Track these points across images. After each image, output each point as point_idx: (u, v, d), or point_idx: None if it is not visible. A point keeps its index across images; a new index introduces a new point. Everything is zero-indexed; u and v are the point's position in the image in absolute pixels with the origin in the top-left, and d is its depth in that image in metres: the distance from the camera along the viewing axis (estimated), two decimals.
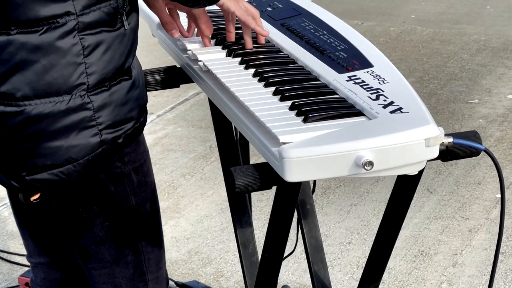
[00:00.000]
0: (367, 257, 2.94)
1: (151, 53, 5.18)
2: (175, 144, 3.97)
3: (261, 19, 1.75)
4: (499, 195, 3.38)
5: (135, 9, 1.51)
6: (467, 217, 3.22)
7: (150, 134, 4.09)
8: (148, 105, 4.45)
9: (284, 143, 1.25)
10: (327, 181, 3.52)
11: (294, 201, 1.37)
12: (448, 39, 5.36)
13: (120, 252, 1.60)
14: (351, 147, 1.23)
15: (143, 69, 1.61)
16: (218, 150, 1.73)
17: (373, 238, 3.06)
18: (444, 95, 4.43)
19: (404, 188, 1.41)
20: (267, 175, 1.29)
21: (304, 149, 1.22)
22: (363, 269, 2.87)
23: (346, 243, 3.09)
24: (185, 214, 3.33)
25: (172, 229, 3.23)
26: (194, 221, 3.28)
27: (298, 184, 1.33)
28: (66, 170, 1.46)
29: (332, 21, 1.68)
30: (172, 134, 4.07)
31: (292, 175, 1.23)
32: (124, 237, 1.59)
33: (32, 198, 1.53)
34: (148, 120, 4.25)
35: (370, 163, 1.22)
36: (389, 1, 6.38)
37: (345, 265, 2.95)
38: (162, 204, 3.39)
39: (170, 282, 2.80)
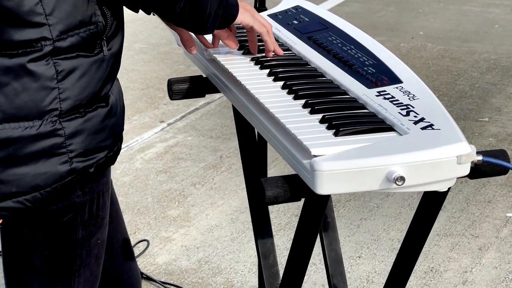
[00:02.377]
0: (376, 272, 2.96)
1: (162, 61, 5.19)
2: (185, 153, 3.97)
3: (288, 32, 1.76)
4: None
5: (119, 33, 1.46)
6: (477, 235, 3.22)
7: (161, 142, 4.10)
8: (159, 113, 4.46)
9: (316, 156, 1.26)
10: (337, 195, 3.52)
11: (322, 213, 1.38)
12: (458, 57, 5.38)
13: (50, 286, 1.52)
14: (383, 162, 1.23)
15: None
16: (242, 161, 1.73)
17: (383, 253, 3.08)
18: (454, 112, 4.44)
19: (431, 205, 1.42)
20: (296, 187, 1.30)
21: (336, 162, 1.23)
22: (373, 284, 2.88)
23: (356, 257, 3.09)
24: (195, 223, 3.33)
25: (182, 237, 3.23)
26: (204, 230, 3.28)
27: (327, 197, 1.34)
28: (32, 198, 1.39)
29: (359, 35, 1.69)
30: (183, 143, 4.08)
31: (323, 188, 1.23)
32: (60, 270, 1.51)
33: None
34: (159, 128, 4.27)
35: (402, 179, 1.23)
36: (397, 16, 6.41)
37: (355, 279, 2.95)
38: (173, 213, 3.39)
39: None
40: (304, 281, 2.88)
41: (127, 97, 4.62)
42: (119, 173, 3.72)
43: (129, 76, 4.96)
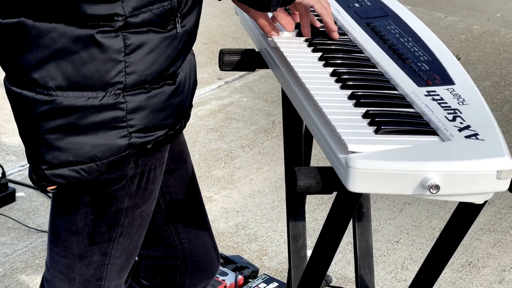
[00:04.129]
0: (412, 259, 2.93)
1: (229, 17, 5.16)
2: (238, 113, 3.96)
3: (347, 15, 1.73)
4: None
5: (195, 10, 1.43)
6: None
7: (216, 99, 4.10)
8: (218, 70, 4.42)
9: (352, 152, 1.23)
10: None
11: (352, 209, 1.36)
12: None
13: (89, 249, 1.53)
14: (419, 167, 1.20)
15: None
16: (284, 146, 1.71)
17: (422, 241, 3.04)
18: None
19: (465, 215, 1.38)
20: (329, 180, 1.28)
21: (371, 162, 1.20)
22: (407, 270, 2.85)
23: (394, 242, 3.07)
24: (238, 187, 3.34)
25: (224, 199, 3.24)
26: (246, 195, 3.29)
27: (359, 194, 1.32)
28: (88, 168, 1.40)
29: (419, 28, 1.64)
30: (237, 103, 4.07)
31: (355, 186, 1.21)
32: (100, 236, 1.52)
33: (49, 188, 1.45)
34: (216, 85, 4.26)
35: (437, 187, 1.20)
36: None
37: (390, 264, 2.93)
38: (217, 173, 3.40)
39: None
40: (338, 259, 2.87)
41: None
42: None
43: None
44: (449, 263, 2.93)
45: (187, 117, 1.51)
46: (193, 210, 1.74)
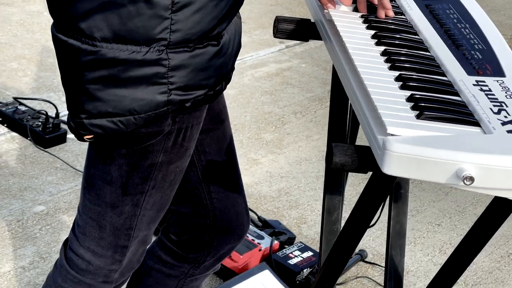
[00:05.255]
0: (452, 244, 2.91)
1: None
2: (295, 79, 3.96)
3: None
4: None
5: None
6: None
7: (275, 63, 4.10)
8: None
9: (391, 135, 1.23)
10: None
11: (386, 191, 1.36)
12: None
13: (121, 199, 1.55)
14: (456, 157, 1.19)
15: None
16: (328, 122, 1.71)
17: (464, 227, 3.02)
18: None
19: (499, 209, 1.37)
20: (365, 160, 1.28)
21: (409, 147, 1.20)
22: (445, 255, 2.84)
23: (435, 225, 3.05)
24: (285, 152, 3.35)
25: (270, 163, 3.25)
26: (292, 161, 3.29)
27: (394, 177, 1.31)
28: (126, 121, 1.42)
29: (479, 16, 1.61)
30: (295, 69, 4.06)
31: (390, 168, 1.21)
32: (133, 187, 1.54)
33: (86, 137, 1.48)
34: (277, 48, 4.26)
35: (471, 179, 1.19)
36: None
37: (428, 246, 2.92)
38: (267, 136, 3.41)
39: (253, 215, 2.84)
40: (376, 235, 2.87)
41: (254, 10, 4.62)
42: None
43: None
44: (488, 251, 2.92)
45: (228, 79, 1.52)
46: (227, 171, 1.76)
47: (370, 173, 1.34)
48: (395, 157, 1.20)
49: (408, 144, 1.20)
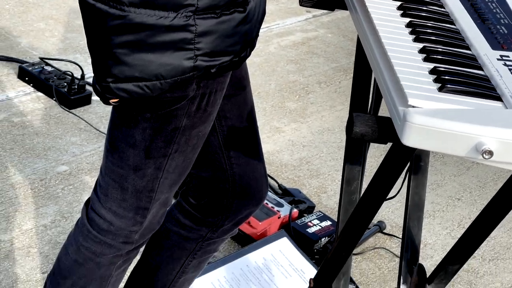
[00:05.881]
0: (471, 219, 2.91)
1: None
2: (321, 49, 3.95)
3: None
4: None
5: None
6: None
7: (302, 32, 4.09)
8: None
9: (412, 106, 1.23)
10: None
11: (405, 162, 1.36)
12: None
13: (144, 162, 1.57)
14: (476, 131, 1.19)
15: None
16: (351, 93, 1.71)
17: (484, 202, 3.01)
18: None
19: None
20: (385, 130, 1.28)
21: (429, 119, 1.20)
22: (463, 229, 2.84)
23: (456, 199, 3.05)
24: (308, 121, 3.35)
25: (292, 132, 3.26)
26: (315, 130, 3.30)
27: (413, 149, 1.32)
28: (152, 86, 1.43)
29: None
30: (322, 39, 4.05)
31: (409, 140, 1.21)
32: (156, 150, 1.55)
33: (112, 101, 1.49)
34: (303, 17, 4.24)
35: (490, 153, 1.19)
36: None
37: (447, 220, 2.92)
38: (291, 105, 3.42)
39: (273, 182, 2.85)
40: (396, 207, 2.88)
41: None
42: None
43: None
44: (508, 227, 2.92)
45: (252, 46, 1.53)
46: (247, 137, 1.77)
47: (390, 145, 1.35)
48: (415, 128, 1.20)
49: (429, 116, 1.21)
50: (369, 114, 1.30)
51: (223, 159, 1.75)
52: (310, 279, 1.70)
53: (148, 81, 1.43)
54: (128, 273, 1.90)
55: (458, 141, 1.20)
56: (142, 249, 1.84)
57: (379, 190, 1.42)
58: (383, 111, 2.19)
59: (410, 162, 1.79)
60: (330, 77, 3.71)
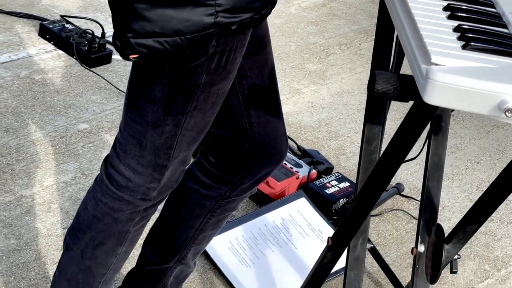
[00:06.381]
0: (490, 182, 2.90)
1: None
2: (342, 11, 3.92)
3: None
4: None
5: None
6: None
7: None
8: None
9: (435, 64, 1.23)
10: None
11: (426, 121, 1.36)
12: None
13: (163, 119, 1.57)
14: (500, 89, 1.18)
15: None
16: (373, 51, 1.70)
17: (504, 165, 3.00)
18: None
19: None
20: (408, 88, 1.28)
21: (452, 77, 1.19)
22: (482, 192, 2.83)
23: (475, 162, 3.04)
24: (328, 83, 3.34)
25: (312, 93, 3.25)
26: (335, 92, 3.29)
27: (435, 107, 1.31)
28: (172, 42, 1.43)
29: None
30: (342, 0, 4.02)
31: (431, 98, 1.21)
32: (175, 107, 1.56)
33: (132, 57, 1.49)
34: None
35: None
36: None
37: (466, 183, 2.92)
38: (311, 67, 3.41)
39: (292, 144, 2.86)
40: (414, 170, 2.88)
41: None
42: (272, 14, 3.73)
43: None
44: None
45: (273, 3, 1.52)
46: (267, 96, 1.77)
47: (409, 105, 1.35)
48: (437, 86, 1.20)
49: (452, 74, 1.20)
50: (391, 72, 1.29)
51: (243, 118, 1.75)
52: (329, 237, 1.71)
53: (168, 36, 1.43)
54: (146, 230, 1.92)
55: (481, 99, 1.20)
56: (161, 207, 1.86)
57: (399, 149, 1.42)
58: (405, 70, 2.18)
59: (431, 123, 1.78)
60: (350, 39, 3.69)
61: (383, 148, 1.53)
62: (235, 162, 1.80)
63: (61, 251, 1.87)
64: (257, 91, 1.74)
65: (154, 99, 1.56)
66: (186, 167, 1.75)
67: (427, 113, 1.35)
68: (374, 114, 1.73)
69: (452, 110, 1.79)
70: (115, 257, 1.78)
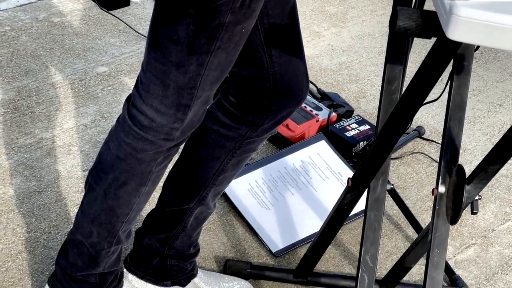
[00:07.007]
0: None
1: None
2: None
3: None
4: None
5: None
6: None
7: None
8: None
9: None
10: None
11: (449, 58, 1.34)
12: None
13: (187, 58, 1.55)
14: None
15: None
16: None
17: None
18: None
19: None
20: (430, 24, 1.25)
21: (476, 11, 1.17)
22: (503, 134, 2.81)
23: (497, 105, 3.01)
24: (349, 26, 3.30)
25: (332, 36, 3.22)
26: (355, 35, 3.25)
27: (458, 44, 1.29)
28: None
29: None
30: None
31: (454, 34, 1.18)
32: (199, 47, 1.54)
33: None
34: None
35: None
36: None
37: (488, 126, 2.89)
38: (331, 9, 3.37)
39: (312, 87, 2.84)
40: (436, 113, 2.85)
41: None
42: None
43: None
44: None
45: None
46: (289, 36, 1.75)
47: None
48: (461, 21, 1.17)
49: (476, 9, 1.17)
50: (413, 8, 1.27)
51: (264, 57, 1.74)
52: (348, 178, 1.70)
53: None
54: (167, 171, 1.92)
55: (506, 34, 1.17)
56: (181, 147, 1.85)
57: (421, 87, 1.40)
58: (428, 7, 2.13)
59: (453, 62, 1.76)
60: None
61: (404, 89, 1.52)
62: (256, 102, 1.78)
63: (82, 193, 1.88)
64: (278, 30, 1.72)
65: (178, 39, 1.55)
66: (207, 107, 1.74)
67: (450, 50, 1.33)
68: (396, 53, 1.70)
69: (476, 49, 1.76)
70: (138, 197, 1.78)
